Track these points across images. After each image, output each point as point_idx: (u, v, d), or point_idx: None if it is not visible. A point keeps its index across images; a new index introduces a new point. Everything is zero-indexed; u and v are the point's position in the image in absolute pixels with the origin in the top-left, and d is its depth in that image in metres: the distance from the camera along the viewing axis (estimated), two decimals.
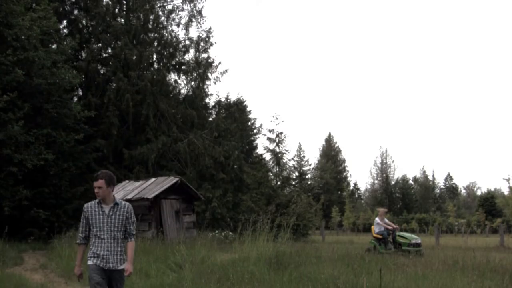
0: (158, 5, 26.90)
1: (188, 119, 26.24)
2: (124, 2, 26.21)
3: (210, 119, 28.66)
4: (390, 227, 14.59)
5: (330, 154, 72.88)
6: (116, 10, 25.90)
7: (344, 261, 9.38)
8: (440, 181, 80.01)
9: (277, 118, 32.43)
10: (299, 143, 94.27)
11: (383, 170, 71.81)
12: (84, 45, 23.85)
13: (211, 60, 27.39)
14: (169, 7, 27.40)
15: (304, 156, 70.46)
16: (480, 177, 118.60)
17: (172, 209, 15.99)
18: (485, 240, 23.90)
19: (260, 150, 37.56)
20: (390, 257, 10.82)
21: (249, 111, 36.95)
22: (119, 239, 4.58)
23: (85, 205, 4.62)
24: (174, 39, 27.08)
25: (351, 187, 74.13)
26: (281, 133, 26.96)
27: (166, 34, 27.09)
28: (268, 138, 27.17)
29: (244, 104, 35.42)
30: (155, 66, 26.93)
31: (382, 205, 55.35)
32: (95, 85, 23.75)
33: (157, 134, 24.20)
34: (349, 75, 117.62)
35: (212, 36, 27.91)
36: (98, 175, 4.58)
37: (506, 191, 51.26)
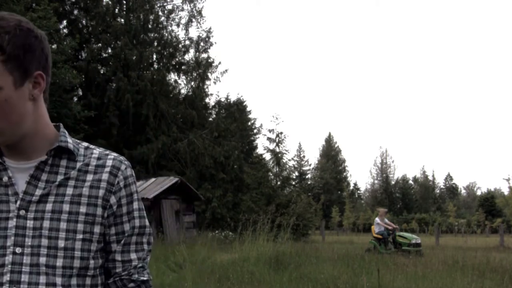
0: (158, 5, 26.92)
1: (188, 119, 26.25)
2: (124, 2, 26.22)
3: (210, 119, 28.69)
4: (390, 227, 14.61)
5: (330, 154, 72.85)
6: (116, 10, 25.91)
7: (344, 261, 9.39)
8: (440, 181, 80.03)
9: (277, 118, 32.55)
10: (299, 143, 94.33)
11: (383, 170, 71.81)
12: (84, 45, 23.86)
13: (211, 60, 27.45)
14: (169, 7, 27.44)
15: (304, 156, 70.66)
16: (480, 177, 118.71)
17: (172, 209, 16.00)
18: (485, 240, 23.90)
19: (260, 150, 37.57)
20: (390, 257, 10.82)
21: (249, 111, 36.95)
22: None
23: None
24: (174, 39, 27.10)
25: (351, 187, 74.09)
26: (281, 133, 26.98)
27: (166, 34, 27.11)
28: (268, 138, 27.18)
29: (244, 104, 35.42)
30: (155, 66, 26.95)
31: (382, 205, 55.33)
32: (95, 85, 23.76)
33: (157, 134, 24.21)
34: (349, 75, 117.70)
35: (212, 36, 27.99)
36: None
37: (506, 191, 51.35)
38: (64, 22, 24.59)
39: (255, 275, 7.80)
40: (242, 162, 28.38)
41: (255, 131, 36.70)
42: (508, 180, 40.59)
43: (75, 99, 23.47)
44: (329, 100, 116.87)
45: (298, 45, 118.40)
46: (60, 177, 1.03)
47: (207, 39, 27.43)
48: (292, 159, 51.58)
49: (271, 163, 27.84)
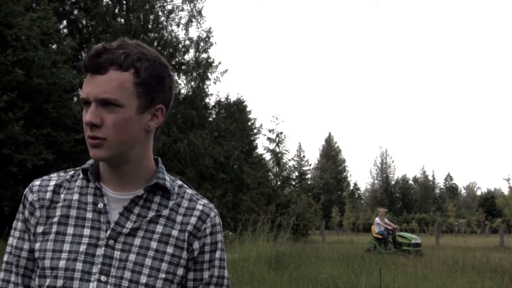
0: (158, 5, 26.90)
1: (188, 119, 26.25)
2: (124, 2, 26.22)
3: (210, 119, 28.67)
4: (390, 227, 14.62)
5: (330, 154, 72.89)
6: (116, 10, 25.91)
7: (344, 261, 9.40)
8: (440, 181, 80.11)
9: (277, 118, 32.59)
10: (299, 143, 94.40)
11: (383, 170, 71.87)
12: (84, 45, 23.85)
13: (211, 60, 27.41)
14: (169, 7, 27.40)
15: (304, 156, 70.71)
16: (480, 177, 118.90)
17: None
18: (485, 240, 23.92)
19: (260, 150, 37.57)
20: (390, 257, 10.83)
21: (249, 111, 36.92)
22: None
23: (32, 186, 1.13)
24: (174, 39, 27.09)
25: (351, 187, 74.14)
26: (281, 133, 27.06)
27: (166, 34, 27.10)
28: (268, 138, 27.24)
29: (244, 104, 35.39)
30: None
31: (382, 205, 55.37)
32: None
33: (157, 134, 24.24)
34: (349, 75, 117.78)
35: (212, 36, 27.94)
36: (101, 49, 1.10)
37: (506, 191, 51.39)
38: (64, 22, 24.58)
39: (255, 275, 7.80)
40: (242, 162, 28.38)
41: (255, 131, 36.70)
42: (508, 180, 40.67)
43: (75, 99, 23.47)
44: (329, 100, 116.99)
45: (298, 45, 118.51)
46: (151, 213, 1.04)
47: (207, 39, 27.42)
48: (292, 159, 51.63)
49: (271, 163, 27.88)
